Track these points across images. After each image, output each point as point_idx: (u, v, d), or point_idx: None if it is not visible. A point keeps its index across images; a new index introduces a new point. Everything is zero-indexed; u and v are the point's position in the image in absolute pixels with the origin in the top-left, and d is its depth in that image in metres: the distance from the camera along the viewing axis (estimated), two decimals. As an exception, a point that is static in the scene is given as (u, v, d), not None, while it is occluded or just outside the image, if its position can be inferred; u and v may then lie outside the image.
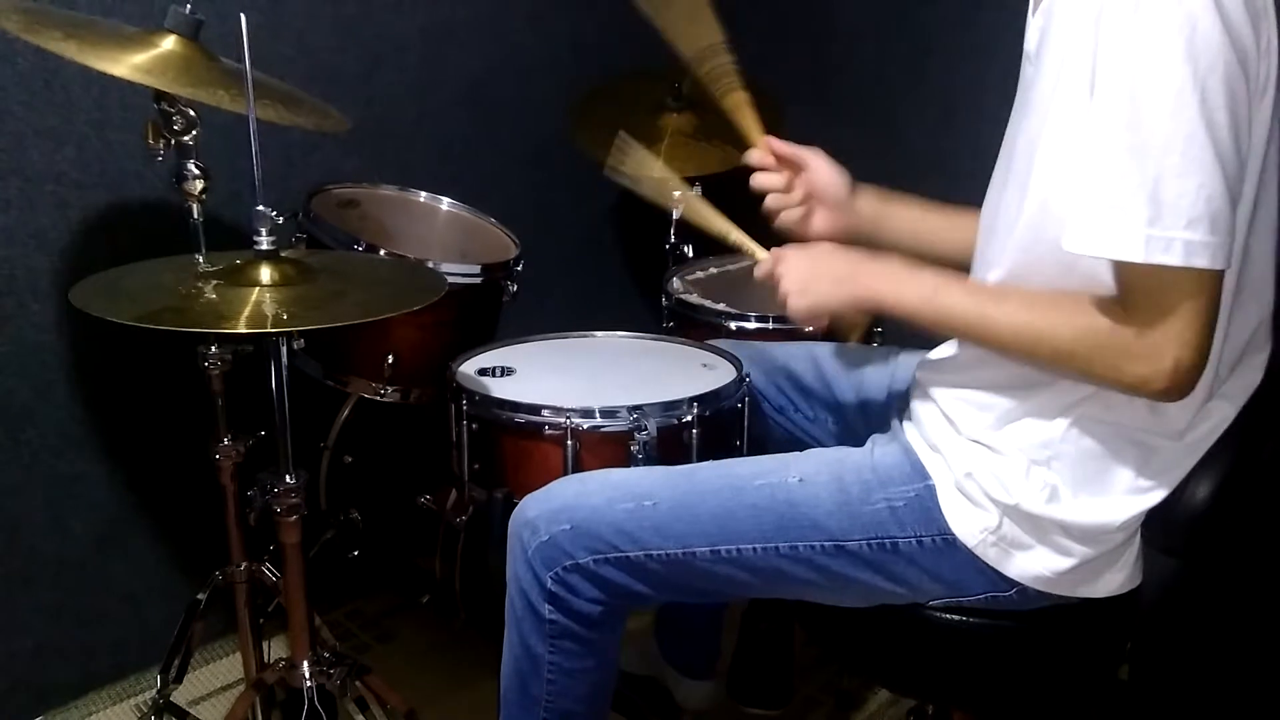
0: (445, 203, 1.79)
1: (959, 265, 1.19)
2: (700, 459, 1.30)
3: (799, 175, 1.28)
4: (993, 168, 1.08)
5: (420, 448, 1.67)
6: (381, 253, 1.50)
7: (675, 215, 2.01)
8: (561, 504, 1.12)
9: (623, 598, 1.12)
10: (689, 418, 1.30)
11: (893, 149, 2.21)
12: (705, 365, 1.47)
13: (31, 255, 1.55)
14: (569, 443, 1.27)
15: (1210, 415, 0.99)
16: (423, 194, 1.79)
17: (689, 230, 2.03)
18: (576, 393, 1.32)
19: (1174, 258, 0.82)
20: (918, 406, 1.14)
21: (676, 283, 1.85)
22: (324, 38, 1.81)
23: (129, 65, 1.13)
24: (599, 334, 1.62)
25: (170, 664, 1.52)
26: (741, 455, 1.37)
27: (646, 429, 1.26)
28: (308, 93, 1.40)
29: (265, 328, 1.03)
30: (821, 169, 1.27)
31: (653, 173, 1.39)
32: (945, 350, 1.14)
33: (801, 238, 1.26)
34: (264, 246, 1.11)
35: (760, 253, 1.19)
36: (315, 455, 1.72)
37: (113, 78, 1.12)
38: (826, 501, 1.07)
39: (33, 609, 1.66)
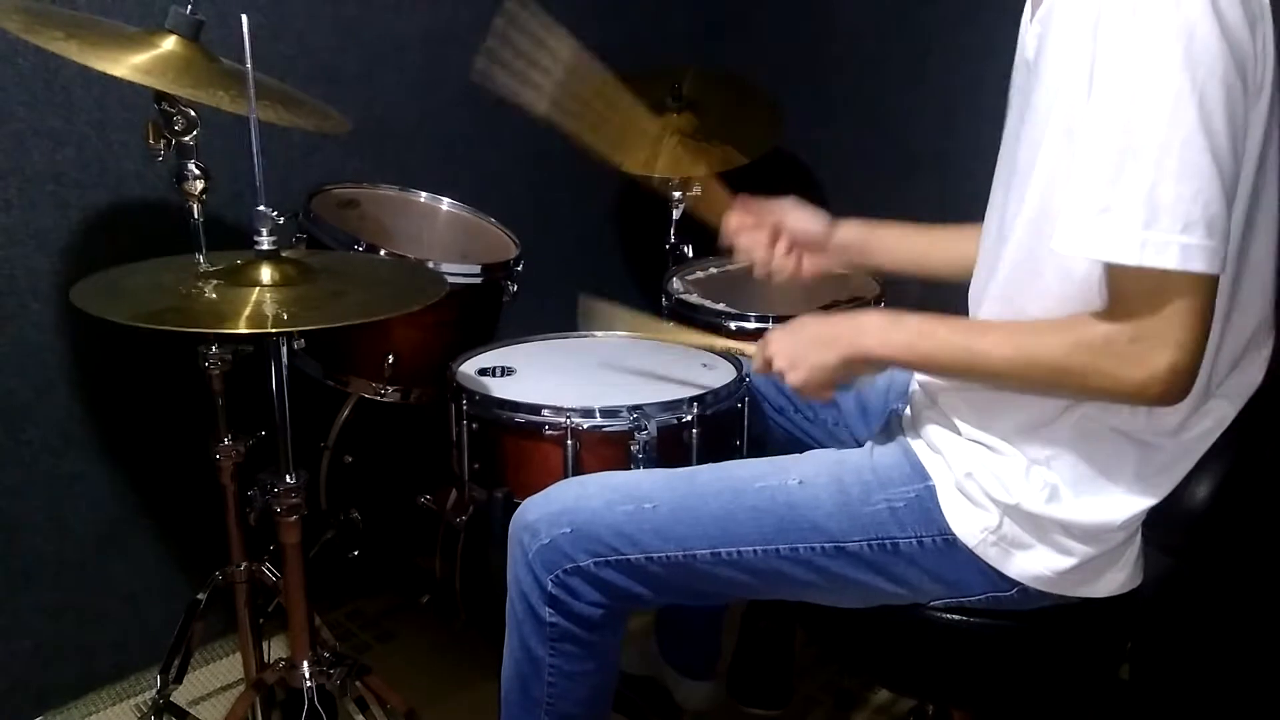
0: (445, 203, 1.79)
1: (949, 281, 1.21)
2: (700, 459, 1.30)
3: (777, 228, 1.31)
4: (992, 169, 1.09)
5: (420, 448, 1.68)
6: (381, 253, 1.50)
7: (675, 215, 2.02)
8: (561, 507, 1.12)
9: (623, 600, 1.12)
10: (689, 418, 1.30)
11: (893, 149, 2.21)
12: (705, 365, 1.47)
13: (31, 255, 1.55)
14: (569, 442, 1.27)
15: (1209, 414, 0.99)
16: (423, 194, 1.79)
17: (689, 230, 2.03)
18: (576, 393, 1.33)
19: (1169, 261, 0.82)
20: (918, 408, 1.14)
21: (676, 283, 1.85)
22: (324, 38, 1.81)
23: (129, 65, 1.13)
24: (599, 334, 1.62)
25: (170, 664, 1.52)
26: (741, 455, 1.37)
27: (646, 429, 1.26)
28: (308, 93, 1.40)
29: (265, 328, 1.03)
30: (797, 217, 1.31)
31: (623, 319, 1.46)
32: None
33: (793, 280, 1.31)
34: (264, 246, 1.11)
35: (749, 348, 1.20)
36: (315, 455, 1.72)
37: (113, 78, 1.12)
38: (826, 503, 1.07)
39: (33, 609, 1.66)
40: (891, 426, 1.19)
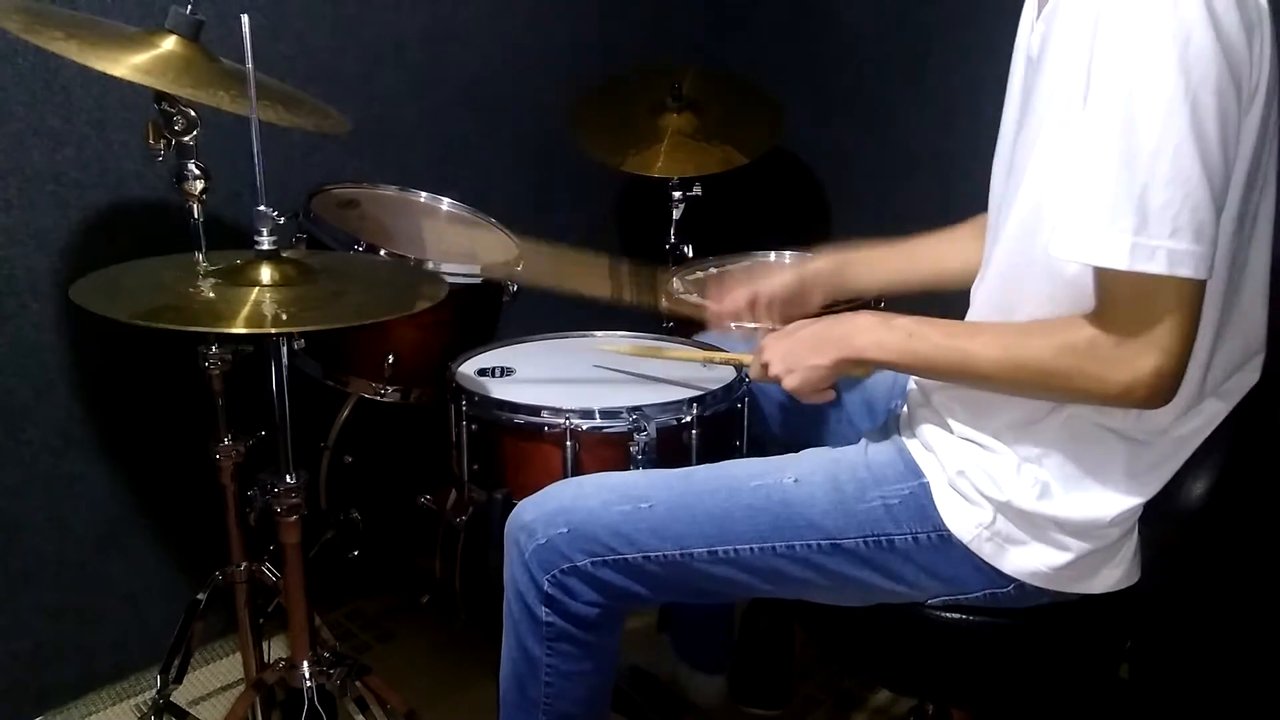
0: (445, 203, 1.79)
1: (938, 291, 1.21)
2: (700, 460, 1.30)
3: (753, 299, 1.31)
4: (992, 169, 1.09)
5: (420, 448, 1.67)
6: (381, 253, 1.50)
7: (675, 215, 2.02)
8: (558, 507, 1.12)
9: (620, 600, 1.12)
10: (688, 419, 1.30)
11: (893, 149, 2.21)
12: (705, 366, 1.46)
13: (31, 255, 1.55)
14: (569, 443, 1.27)
15: (1201, 411, 0.99)
16: (423, 194, 1.79)
17: (689, 230, 2.03)
18: (576, 393, 1.33)
19: (1158, 266, 0.82)
20: (912, 406, 1.14)
21: (676, 283, 1.85)
22: (324, 38, 1.81)
23: (129, 65, 1.13)
24: (599, 334, 1.62)
25: (170, 664, 1.52)
26: (741, 456, 1.37)
27: (646, 430, 1.26)
28: (308, 93, 1.40)
29: (265, 328, 1.03)
30: (769, 284, 1.31)
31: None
32: None
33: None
34: (264, 246, 1.11)
35: (745, 358, 1.21)
36: (315, 455, 1.72)
37: (113, 78, 1.12)
38: (822, 501, 1.08)
39: (33, 609, 1.66)
40: (888, 425, 1.20)
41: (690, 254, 2.02)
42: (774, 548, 1.07)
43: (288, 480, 1.24)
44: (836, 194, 2.36)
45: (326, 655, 1.34)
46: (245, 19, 1.02)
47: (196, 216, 1.27)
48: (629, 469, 1.27)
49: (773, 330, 1.21)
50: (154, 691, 1.57)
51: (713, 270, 1.95)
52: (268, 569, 1.48)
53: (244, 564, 1.47)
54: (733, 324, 1.33)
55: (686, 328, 1.71)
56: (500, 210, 1.80)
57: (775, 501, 1.08)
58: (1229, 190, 0.86)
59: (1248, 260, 0.95)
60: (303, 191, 1.61)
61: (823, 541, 1.06)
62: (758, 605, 1.65)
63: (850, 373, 1.09)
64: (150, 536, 1.78)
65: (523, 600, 1.13)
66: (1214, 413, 1.00)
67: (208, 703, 1.74)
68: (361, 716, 1.38)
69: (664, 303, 1.80)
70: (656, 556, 1.09)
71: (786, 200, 2.41)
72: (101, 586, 1.74)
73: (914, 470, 1.08)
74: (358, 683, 1.36)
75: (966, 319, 1.10)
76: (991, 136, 1.09)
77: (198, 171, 1.24)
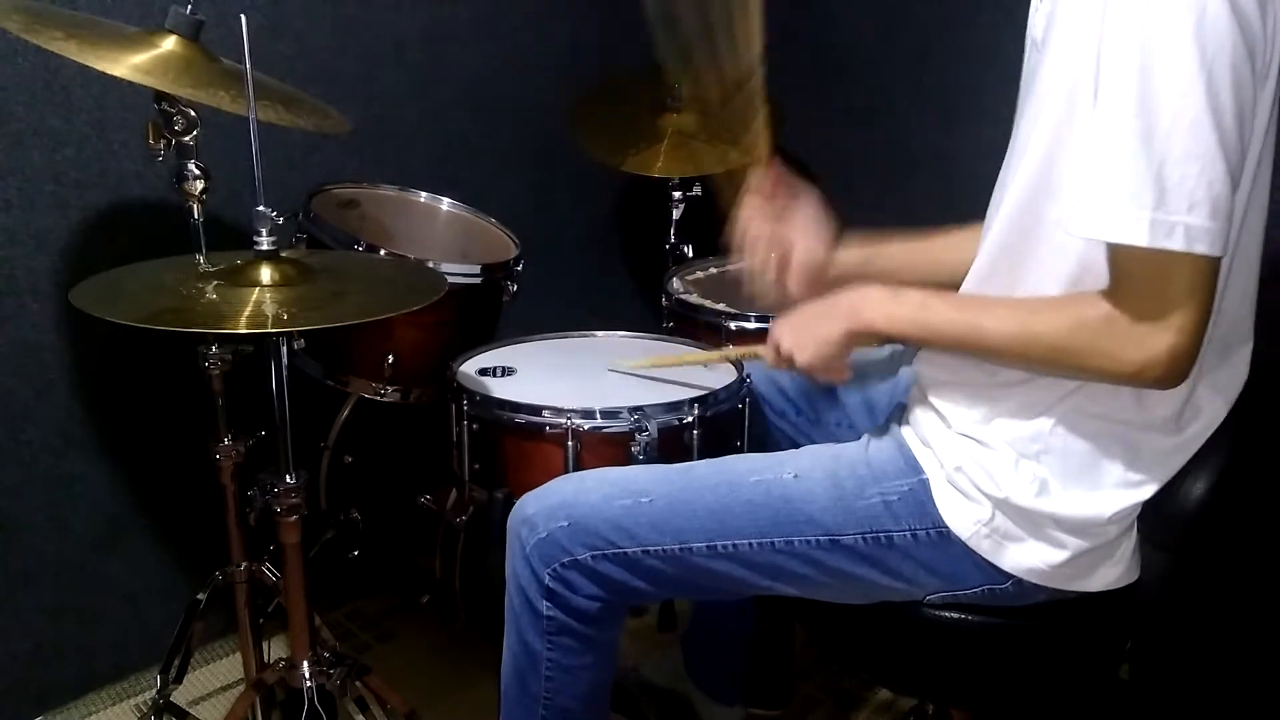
0: (445, 203, 1.79)
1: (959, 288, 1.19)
2: (701, 460, 1.30)
3: (785, 245, 1.23)
4: (993, 167, 1.09)
5: (420, 448, 1.67)
6: (381, 253, 1.50)
7: (675, 215, 2.02)
8: (559, 501, 1.12)
9: (621, 594, 1.13)
10: (690, 418, 1.30)
11: (893, 149, 2.21)
12: (706, 366, 1.46)
13: (31, 255, 1.55)
14: (570, 443, 1.27)
15: (1201, 412, 0.99)
16: (423, 194, 1.79)
17: (689, 230, 2.03)
18: (577, 393, 1.32)
19: (1176, 242, 0.81)
20: (911, 402, 1.14)
21: (676, 283, 1.85)
22: (324, 38, 1.81)
23: (129, 65, 1.13)
24: (599, 334, 1.62)
25: (170, 664, 1.52)
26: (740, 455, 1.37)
27: (647, 430, 1.26)
28: (308, 93, 1.40)
29: (265, 328, 1.03)
30: (806, 241, 1.22)
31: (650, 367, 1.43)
32: None
33: (777, 290, 1.24)
34: (264, 247, 1.12)
35: (760, 349, 1.20)
36: (315, 455, 1.72)
37: (113, 78, 1.12)
38: (821, 497, 1.08)
39: (33, 609, 1.66)
40: (888, 421, 1.20)
41: (690, 254, 2.02)
42: (773, 543, 1.07)
43: (288, 480, 1.24)
44: (836, 194, 2.35)
45: (326, 655, 1.34)
46: (244, 19, 1.02)
47: (196, 217, 1.27)
48: (630, 469, 1.27)
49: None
50: (154, 691, 1.57)
51: (713, 270, 1.95)
52: (268, 569, 1.48)
53: (244, 564, 1.47)
54: (747, 243, 1.24)
55: (686, 328, 1.72)
56: (500, 210, 1.80)
57: (775, 497, 1.08)
58: (1244, 162, 0.85)
59: (1240, 241, 0.94)
60: (303, 191, 1.61)
61: (822, 537, 1.07)
62: (758, 604, 1.65)
63: (861, 344, 1.08)
64: (150, 536, 1.78)
65: (524, 594, 1.13)
66: (1214, 413, 0.99)
67: (208, 703, 1.74)
68: (361, 716, 1.38)
69: (665, 301, 1.80)
70: (656, 550, 1.09)
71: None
72: (101, 586, 1.73)
73: (913, 466, 1.08)
74: (358, 683, 1.36)
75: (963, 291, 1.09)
76: (992, 137, 1.09)
77: (198, 171, 1.24)
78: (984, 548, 1.03)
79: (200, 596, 1.51)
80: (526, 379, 1.44)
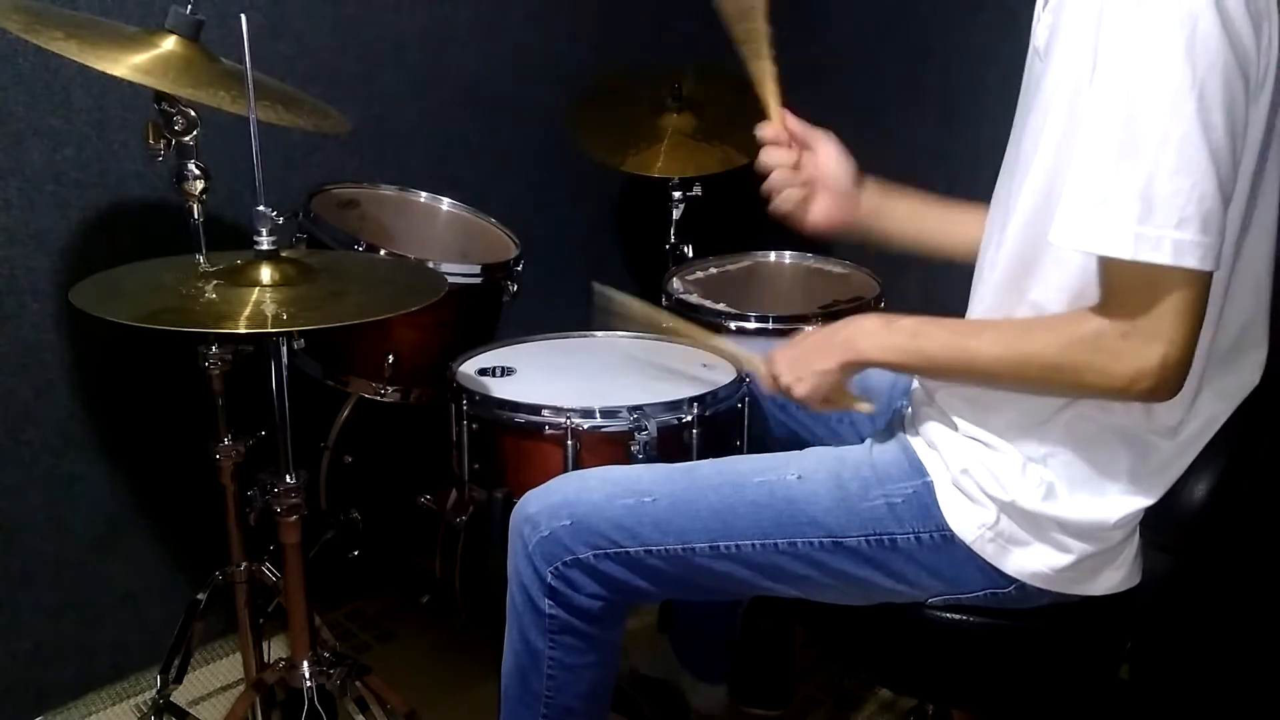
0: (445, 203, 1.79)
1: (957, 261, 1.19)
2: (701, 459, 1.30)
3: (807, 157, 1.25)
4: (993, 167, 1.09)
5: (420, 448, 1.67)
6: (381, 253, 1.50)
7: (675, 215, 2.02)
8: (562, 499, 1.12)
9: (623, 593, 1.13)
10: (689, 418, 1.30)
11: (892, 149, 2.19)
12: (705, 365, 1.47)
13: (31, 255, 1.55)
14: (569, 443, 1.27)
15: (1200, 412, 0.99)
16: (423, 194, 1.79)
17: (689, 230, 2.03)
18: (576, 393, 1.33)
19: (1163, 256, 0.82)
20: (917, 404, 1.14)
21: (676, 283, 1.85)
22: (324, 38, 1.81)
23: (129, 65, 1.13)
24: (599, 334, 1.62)
25: (170, 664, 1.52)
26: (742, 455, 1.37)
27: (647, 429, 1.27)
28: (308, 93, 1.40)
29: (265, 328, 1.03)
30: (830, 154, 1.25)
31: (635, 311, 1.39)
32: None
33: (798, 223, 1.25)
34: (264, 246, 1.12)
35: (755, 360, 1.19)
36: (315, 455, 1.72)
37: (113, 78, 1.12)
38: (825, 498, 1.08)
39: (33, 609, 1.66)
40: (893, 423, 1.19)
41: (690, 254, 2.02)
42: (775, 544, 1.07)
43: (288, 480, 1.24)
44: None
45: (326, 655, 1.34)
46: (243, 19, 1.02)
47: (196, 217, 1.27)
48: (629, 469, 1.27)
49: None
50: (154, 691, 1.57)
51: (713, 270, 1.95)
52: (268, 569, 1.48)
53: (244, 564, 1.47)
54: (770, 155, 1.24)
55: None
56: (500, 210, 1.80)
57: (778, 498, 1.08)
58: (1237, 181, 0.85)
59: (1244, 251, 0.94)
60: (303, 191, 1.61)
61: (824, 539, 1.06)
62: (758, 605, 1.65)
63: (855, 375, 1.09)
64: (150, 536, 1.78)
65: (526, 592, 1.13)
66: (1214, 414, 0.99)
67: (208, 703, 1.74)
68: (361, 716, 1.38)
69: (665, 301, 1.80)
70: (658, 550, 1.09)
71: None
72: (101, 586, 1.73)
73: (918, 469, 1.08)
74: (358, 683, 1.36)
75: (969, 313, 1.09)
76: (992, 137, 1.09)
77: (198, 171, 1.24)
78: (988, 551, 1.03)
79: (200, 596, 1.51)
80: (526, 379, 1.44)
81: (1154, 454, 0.98)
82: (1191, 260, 0.82)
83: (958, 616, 1.08)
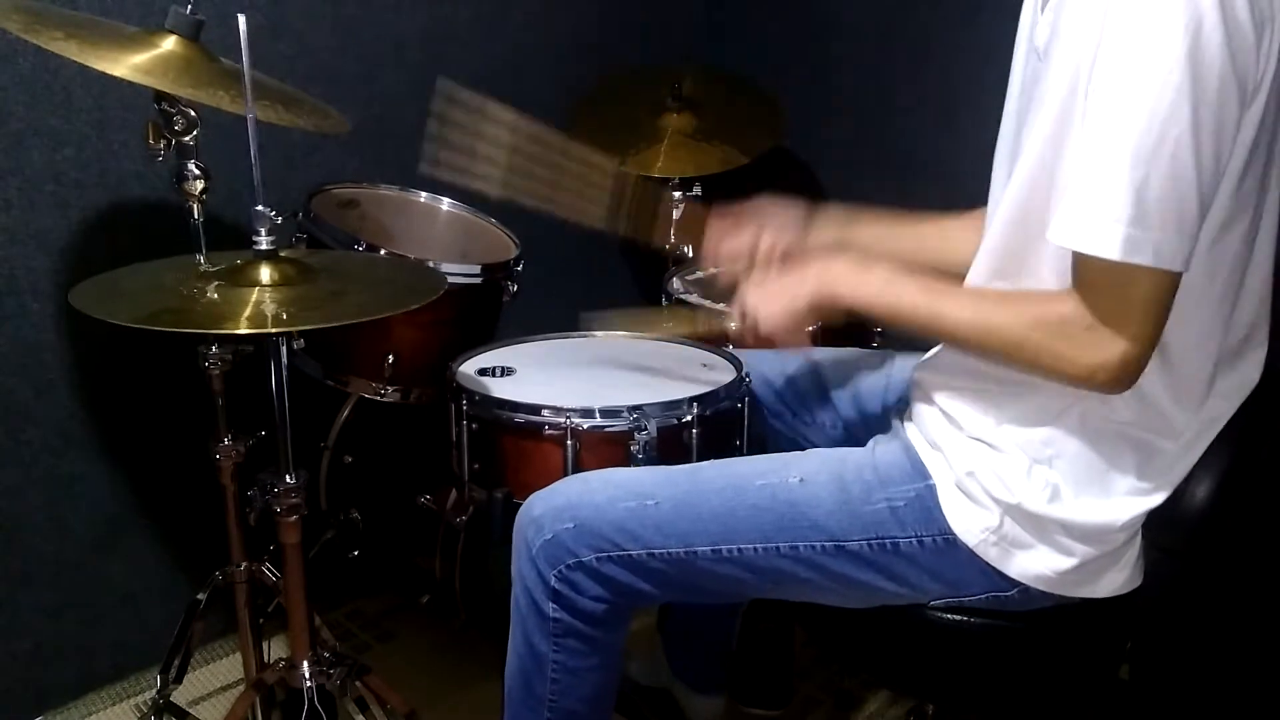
0: (445, 203, 1.79)
1: (941, 273, 1.20)
2: (700, 459, 1.30)
3: (756, 236, 1.27)
4: (992, 168, 1.09)
5: (420, 448, 1.68)
6: (381, 253, 1.50)
7: (675, 216, 2.02)
8: (565, 502, 1.12)
9: (626, 596, 1.12)
10: (689, 418, 1.30)
11: (893, 149, 2.21)
12: (705, 365, 1.47)
13: (31, 255, 1.55)
14: (569, 443, 1.27)
15: (1205, 412, 0.99)
16: (423, 194, 1.79)
17: (689, 230, 2.03)
18: (576, 393, 1.32)
19: (1145, 258, 0.83)
20: (918, 406, 1.14)
21: (676, 283, 1.85)
22: (324, 38, 1.81)
23: (129, 65, 1.13)
24: (599, 334, 1.62)
25: (170, 664, 1.52)
26: (742, 455, 1.37)
27: (646, 429, 1.26)
28: (308, 93, 1.40)
29: (265, 328, 1.03)
30: (775, 223, 1.27)
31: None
32: (944, 349, 1.14)
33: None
34: (264, 246, 1.11)
35: (727, 310, 1.20)
36: (315, 455, 1.72)
37: (113, 78, 1.12)
38: (827, 501, 1.08)
39: (33, 609, 1.66)
40: (894, 424, 1.19)
41: (690, 254, 2.01)
42: (778, 548, 1.07)
43: (288, 480, 1.24)
44: (836, 194, 2.34)
45: (326, 655, 1.34)
46: (242, 19, 1.02)
47: (196, 217, 1.27)
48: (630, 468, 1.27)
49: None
50: (154, 691, 1.56)
51: (713, 270, 1.95)
52: (268, 569, 1.48)
53: (244, 564, 1.47)
54: (725, 256, 1.29)
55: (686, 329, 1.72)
56: (500, 210, 1.80)
57: (780, 501, 1.08)
58: (1220, 183, 0.86)
59: (1254, 253, 0.94)
60: (303, 191, 1.61)
61: (826, 543, 1.06)
62: (758, 605, 1.65)
63: (824, 316, 1.09)
64: (150, 536, 1.78)
65: (530, 596, 1.13)
66: (1219, 413, 0.99)
67: (208, 703, 1.74)
68: (361, 716, 1.38)
69: (665, 301, 1.81)
70: (661, 554, 1.09)
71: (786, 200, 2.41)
72: (101, 586, 1.74)
73: (920, 471, 1.07)
74: (358, 683, 1.36)
75: None
76: (992, 137, 1.09)
77: (198, 171, 1.24)
78: (991, 555, 1.03)
79: (200, 596, 1.51)
80: (526, 379, 1.44)
81: (1159, 455, 0.98)
82: (1169, 262, 0.83)
83: (958, 617, 1.08)
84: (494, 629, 1.20)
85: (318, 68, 1.80)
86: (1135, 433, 0.97)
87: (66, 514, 1.67)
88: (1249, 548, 1.07)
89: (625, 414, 1.27)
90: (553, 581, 1.11)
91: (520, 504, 1.17)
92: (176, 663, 1.52)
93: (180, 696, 1.61)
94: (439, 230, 1.79)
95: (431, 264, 1.48)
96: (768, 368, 1.41)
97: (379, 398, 1.58)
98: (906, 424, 1.15)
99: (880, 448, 1.13)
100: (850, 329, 1.53)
